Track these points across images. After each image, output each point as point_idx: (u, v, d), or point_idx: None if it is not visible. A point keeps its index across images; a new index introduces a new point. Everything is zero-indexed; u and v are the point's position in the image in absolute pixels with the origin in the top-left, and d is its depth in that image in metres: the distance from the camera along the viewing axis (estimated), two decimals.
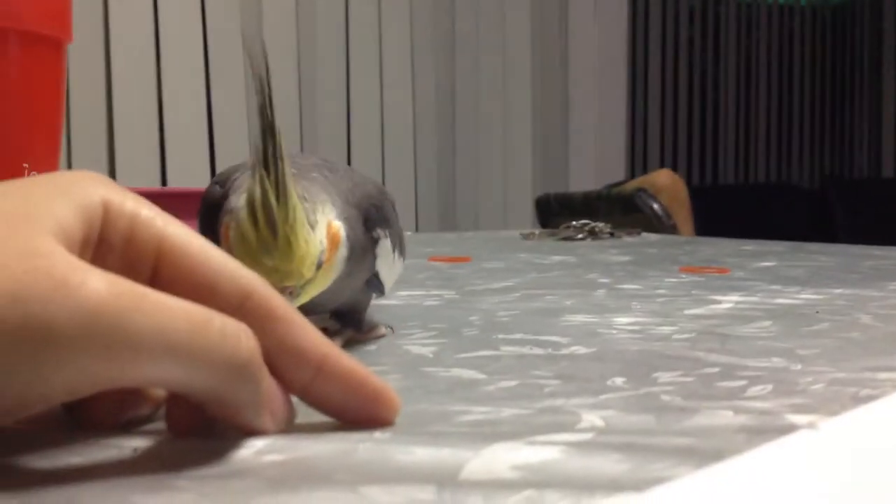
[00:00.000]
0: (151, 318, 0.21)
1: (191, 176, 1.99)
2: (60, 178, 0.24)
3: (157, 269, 0.24)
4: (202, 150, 2.06)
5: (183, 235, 0.24)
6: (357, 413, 0.26)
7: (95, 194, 0.23)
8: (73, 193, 0.23)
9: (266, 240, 0.30)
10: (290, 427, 0.25)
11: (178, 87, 2.01)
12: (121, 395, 0.25)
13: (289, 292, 0.31)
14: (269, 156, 0.29)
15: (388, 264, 0.40)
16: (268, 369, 0.24)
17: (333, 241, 0.33)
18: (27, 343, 0.19)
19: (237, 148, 2.07)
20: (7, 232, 0.21)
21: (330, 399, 0.25)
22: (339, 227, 0.34)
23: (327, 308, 0.39)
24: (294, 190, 0.30)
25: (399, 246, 0.41)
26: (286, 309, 0.25)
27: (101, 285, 0.20)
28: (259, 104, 0.29)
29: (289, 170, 0.30)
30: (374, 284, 0.40)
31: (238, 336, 0.23)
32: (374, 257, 0.38)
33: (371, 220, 0.38)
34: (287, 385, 0.25)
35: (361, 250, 0.36)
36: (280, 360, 0.25)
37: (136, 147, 1.99)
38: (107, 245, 0.23)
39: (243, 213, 0.30)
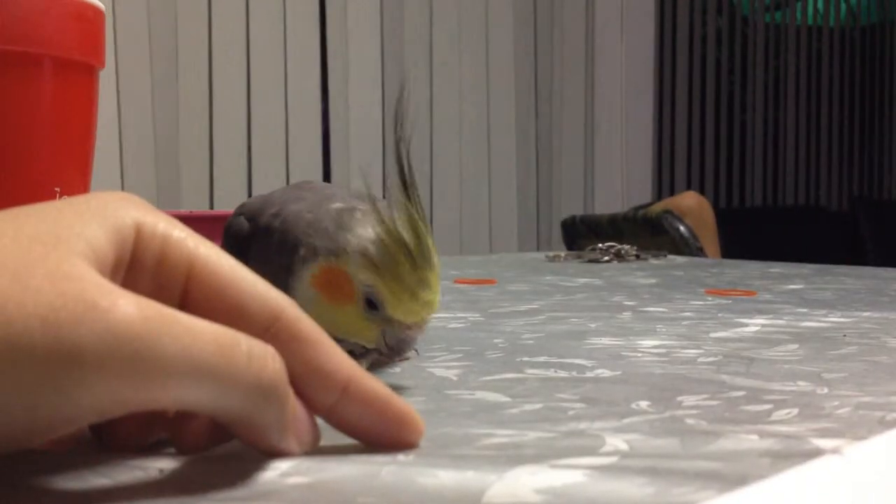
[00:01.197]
0: (179, 342, 0.21)
1: (237, 200, 2.00)
2: (93, 199, 0.24)
3: (188, 290, 0.24)
4: (244, 174, 2.08)
5: (214, 257, 0.25)
6: (381, 436, 0.26)
7: (128, 216, 0.24)
8: (106, 215, 0.23)
9: (424, 276, 0.31)
10: (314, 449, 0.26)
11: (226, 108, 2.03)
12: (148, 417, 0.25)
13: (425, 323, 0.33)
14: (412, 196, 0.31)
15: None
16: (294, 391, 0.24)
17: None
18: (57, 366, 0.20)
19: (274, 172, 2.09)
20: (39, 254, 0.21)
21: (354, 421, 0.26)
22: None
23: None
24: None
25: None
26: (314, 331, 0.25)
27: (130, 309, 0.21)
28: (397, 152, 0.31)
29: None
30: None
31: (265, 358, 0.23)
32: None
33: None
34: (312, 406, 0.25)
35: None
36: (306, 381, 0.25)
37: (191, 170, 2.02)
38: (139, 266, 0.24)
39: (398, 254, 0.31)
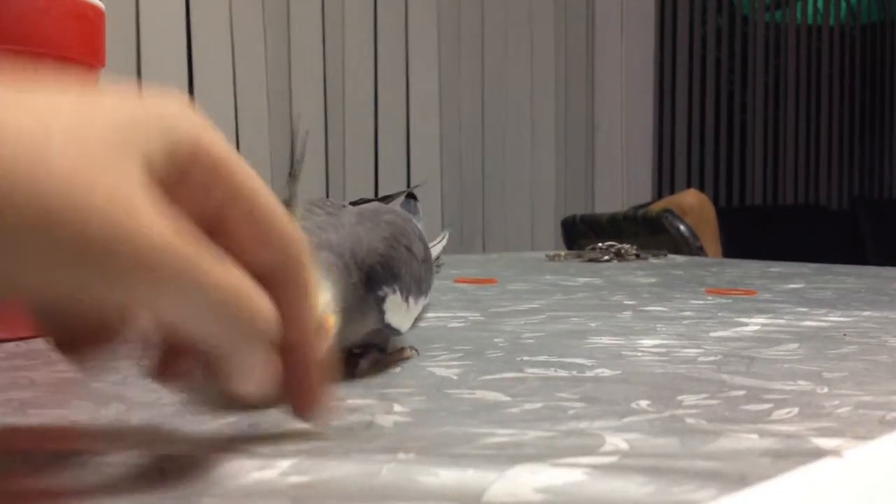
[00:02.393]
0: (201, 276, 0.22)
1: None
2: (162, 105, 0.24)
3: (227, 212, 0.25)
4: None
5: (255, 188, 0.25)
6: (294, 396, 0.27)
7: (185, 131, 0.24)
8: (169, 127, 0.23)
9: None
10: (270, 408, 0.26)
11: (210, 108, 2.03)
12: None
13: None
14: (292, 193, 0.31)
15: (399, 314, 0.40)
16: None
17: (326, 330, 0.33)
18: (90, 256, 0.20)
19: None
20: (101, 154, 0.21)
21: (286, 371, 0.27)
22: (333, 319, 0.34)
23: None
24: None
25: (416, 289, 0.41)
26: (307, 281, 0.27)
27: (170, 231, 0.21)
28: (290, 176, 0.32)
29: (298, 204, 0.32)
30: (390, 330, 0.40)
31: (262, 310, 0.24)
32: (382, 313, 0.38)
33: (375, 280, 0.38)
34: None
35: (360, 313, 0.37)
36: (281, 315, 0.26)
37: None
38: (187, 181, 0.24)
39: None
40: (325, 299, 0.34)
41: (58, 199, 0.20)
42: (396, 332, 0.41)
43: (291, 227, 0.26)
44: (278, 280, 0.25)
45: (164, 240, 0.21)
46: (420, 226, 0.46)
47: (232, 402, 0.26)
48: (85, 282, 0.21)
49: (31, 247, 0.20)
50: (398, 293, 0.39)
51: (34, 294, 0.22)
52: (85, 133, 0.21)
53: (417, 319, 0.43)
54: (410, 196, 0.52)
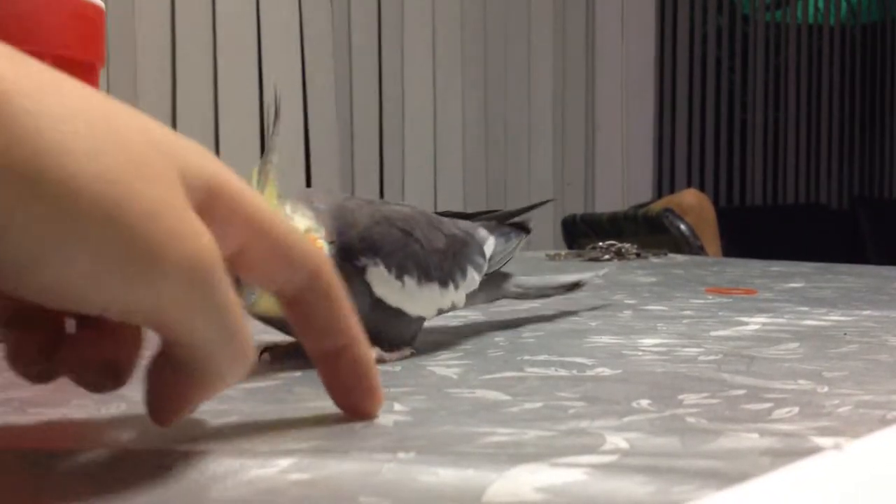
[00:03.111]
0: (224, 294, 0.23)
1: None
2: (191, 141, 0.24)
3: (245, 245, 0.25)
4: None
5: (268, 217, 0.26)
6: (350, 396, 0.29)
7: (209, 167, 0.24)
8: (198, 157, 0.24)
9: None
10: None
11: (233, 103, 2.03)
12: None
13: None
14: (266, 159, 0.34)
15: (392, 290, 0.40)
16: (303, 333, 0.28)
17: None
18: (134, 260, 0.21)
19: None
20: (149, 153, 0.22)
21: (340, 376, 0.28)
22: (323, 244, 0.36)
23: None
24: (274, 188, 0.34)
25: (418, 272, 0.42)
26: (339, 291, 0.28)
27: (209, 246, 0.22)
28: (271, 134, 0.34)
29: (273, 169, 0.34)
30: (391, 312, 0.41)
31: (252, 342, 0.25)
32: (367, 284, 0.40)
33: (349, 250, 0.39)
34: (312, 351, 0.29)
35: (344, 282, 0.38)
36: (322, 331, 0.28)
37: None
38: (208, 214, 0.24)
39: None
40: (306, 226, 0.37)
41: (115, 204, 0.20)
42: (400, 315, 0.41)
43: (309, 244, 0.27)
44: (309, 297, 0.27)
45: (210, 253, 0.22)
46: (491, 239, 0.49)
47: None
48: (126, 288, 0.21)
49: (86, 254, 0.20)
50: (381, 266, 0.40)
51: (68, 302, 0.21)
52: (128, 138, 0.22)
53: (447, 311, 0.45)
54: (515, 225, 0.54)
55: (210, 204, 0.24)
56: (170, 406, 0.25)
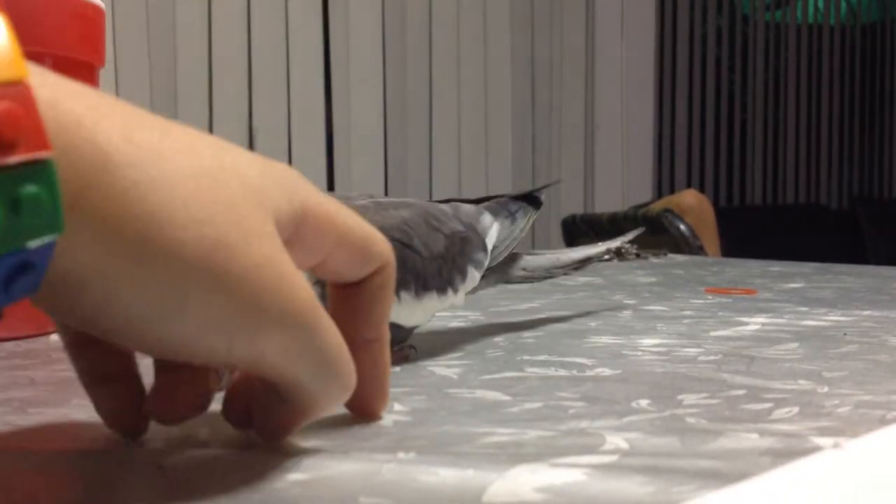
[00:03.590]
0: (324, 336, 0.24)
1: None
2: (279, 169, 0.25)
3: (328, 257, 0.27)
4: None
5: (351, 225, 0.27)
6: (364, 393, 0.29)
7: (298, 195, 0.25)
8: (288, 190, 0.25)
9: None
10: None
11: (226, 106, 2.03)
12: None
13: None
14: None
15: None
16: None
17: None
18: (238, 316, 0.22)
19: None
20: (249, 209, 0.23)
21: (359, 370, 0.28)
22: None
23: None
24: None
25: (423, 284, 0.41)
26: (392, 288, 0.29)
27: (308, 294, 0.23)
28: None
29: None
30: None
31: (354, 373, 0.26)
32: None
33: None
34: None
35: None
36: (360, 320, 0.29)
37: None
38: (297, 238, 0.26)
39: None
40: None
41: (220, 267, 0.21)
42: (394, 324, 0.41)
43: (382, 240, 0.28)
44: (367, 286, 0.28)
45: (309, 302, 0.23)
46: (495, 226, 0.48)
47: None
48: (233, 340, 0.22)
49: (195, 313, 0.21)
50: None
51: (179, 354, 0.22)
52: (229, 195, 0.22)
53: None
54: (526, 198, 0.53)
55: (300, 230, 0.25)
56: (277, 431, 0.26)
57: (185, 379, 0.25)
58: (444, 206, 0.46)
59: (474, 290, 0.48)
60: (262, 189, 0.24)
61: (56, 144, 0.18)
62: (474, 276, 0.46)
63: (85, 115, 0.20)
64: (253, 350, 0.22)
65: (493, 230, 0.48)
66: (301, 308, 0.23)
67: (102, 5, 0.50)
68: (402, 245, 0.40)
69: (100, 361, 0.26)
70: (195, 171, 0.22)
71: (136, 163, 0.20)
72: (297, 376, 0.24)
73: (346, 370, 0.25)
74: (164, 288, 0.21)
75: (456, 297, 0.45)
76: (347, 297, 0.29)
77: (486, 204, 0.50)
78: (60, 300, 0.20)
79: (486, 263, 0.47)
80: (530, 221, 0.52)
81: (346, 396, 0.26)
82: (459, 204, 0.48)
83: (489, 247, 0.47)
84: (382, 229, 0.40)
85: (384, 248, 0.28)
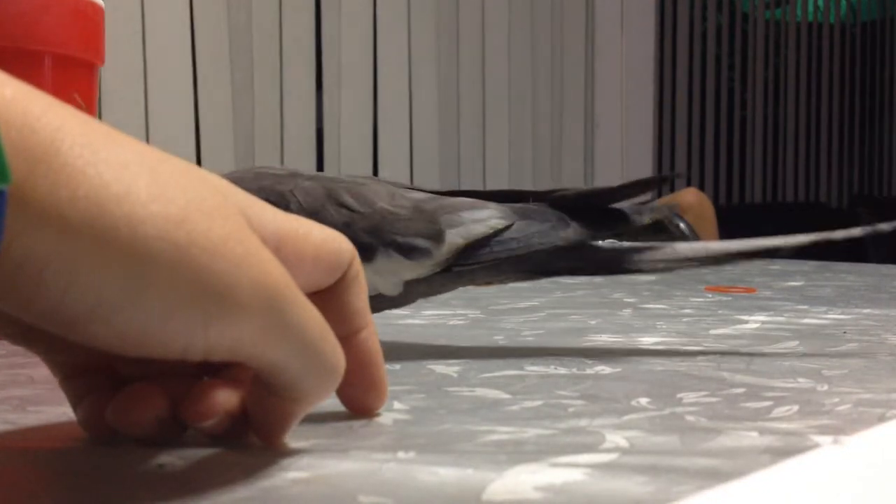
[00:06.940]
0: (301, 312, 0.23)
1: None
2: (246, 194, 0.25)
3: (281, 253, 0.26)
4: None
5: (320, 245, 0.27)
6: (356, 387, 0.29)
7: (273, 221, 0.25)
8: (258, 211, 0.25)
9: None
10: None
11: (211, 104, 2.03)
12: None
13: None
14: None
15: None
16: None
17: None
18: (206, 296, 0.21)
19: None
20: (211, 193, 0.22)
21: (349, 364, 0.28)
22: None
23: None
24: None
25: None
26: (364, 278, 0.29)
27: (280, 271, 0.23)
28: None
29: None
30: None
31: (341, 353, 0.25)
32: None
33: None
34: None
35: None
36: (342, 312, 0.28)
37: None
38: (336, 290, 0.27)
39: None
40: None
41: (182, 244, 0.21)
42: None
43: (344, 240, 0.28)
44: (340, 285, 0.28)
45: (283, 277, 0.23)
46: (492, 221, 0.44)
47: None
48: (204, 325, 0.21)
49: (158, 296, 0.20)
50: None
51: (147, 347, 0.21)
52: (188, 180, 0.22)
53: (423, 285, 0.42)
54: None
55: (281, 254, 0.24)
56: (274, 428, 0.26)
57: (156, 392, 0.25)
58: (393, 188, 0.44)
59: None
60: (227, 187, 0.23)
61: (1, 117, 0.18)
62: (400, 260, 0.42)
63: (34, 103, 0.19)
64: (230, 333, 0.22)
65: (479, 226, 0.44)
66: (274, 282, 0.22)
67: (102, 4, 0.49)
68: (336, 205, 0.40)
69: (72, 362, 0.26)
70: (151, 157, 0.21)
71: (90, 144, 0.20)
72: (280, 360, 0.23)
73: (330, 347, 0.25)
74: (126, 267, 0.20)
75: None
76: (325, 301, 0.28)
77: (526, 206, 0.47)
78: (19, 291, 0.19)
79: (440, 255, 0.43)
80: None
81: (336, 379, 0.25)
82: (443, 196, 0.45)
83: (456, 240, 0.43)
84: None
85: (346, 244, 0.28)
